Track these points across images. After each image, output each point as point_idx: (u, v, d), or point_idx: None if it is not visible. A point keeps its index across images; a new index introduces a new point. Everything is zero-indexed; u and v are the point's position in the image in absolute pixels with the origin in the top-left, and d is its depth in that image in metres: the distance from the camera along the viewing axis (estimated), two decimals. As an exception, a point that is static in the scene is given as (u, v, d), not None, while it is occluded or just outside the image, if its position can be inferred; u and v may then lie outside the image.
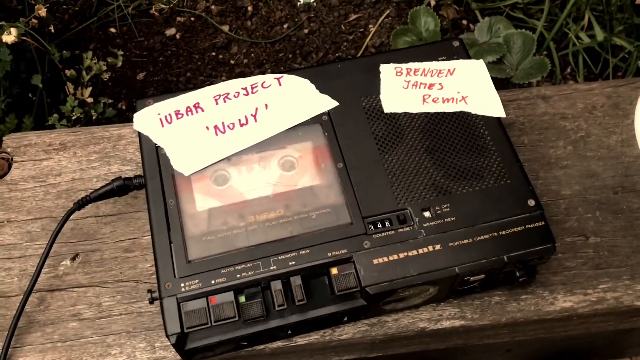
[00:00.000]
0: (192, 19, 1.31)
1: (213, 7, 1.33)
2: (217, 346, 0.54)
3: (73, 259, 0.62)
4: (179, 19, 1.31)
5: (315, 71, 0.64)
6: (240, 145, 0.58)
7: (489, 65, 1.01)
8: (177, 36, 1.29)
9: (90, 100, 1.03)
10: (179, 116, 0.60)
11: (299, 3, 1.33)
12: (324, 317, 0.54)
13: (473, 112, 0.60)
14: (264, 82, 0.62)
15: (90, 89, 1.04)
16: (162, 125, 0.59)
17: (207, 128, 0.59)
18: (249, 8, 1.33)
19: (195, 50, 1.27)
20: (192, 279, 0.52)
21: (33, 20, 1.08)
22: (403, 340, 0.60)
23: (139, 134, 0.60)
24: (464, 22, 1.31)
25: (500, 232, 0.54)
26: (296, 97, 0.61)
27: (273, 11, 1.32)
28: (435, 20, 1.10)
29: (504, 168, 0.57)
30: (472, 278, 0.55)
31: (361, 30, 1.30)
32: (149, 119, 0.60)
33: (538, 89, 0.72)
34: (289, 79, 0.62)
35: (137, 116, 0.60)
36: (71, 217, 0.64)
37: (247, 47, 1.27)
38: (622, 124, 0.70)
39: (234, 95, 0.61)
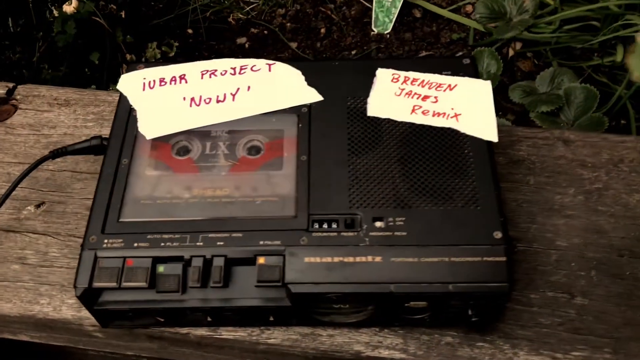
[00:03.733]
0: (265, 32, 1.34)
1: (288, 24, 1.35)
2: (133, 316, 0.51)
3: (38, 206, 0.62)
4: (252, 30, 1.34)
5: (311, 65, 0.62)
6: (211, 120, 0.57)
7: (542, 116, 0.94)
8: (246, 45, 1.31)
9: (139, 84, 1.06)
10: (162, 84, 0.59)
11: (372, 32, 1.32)
12: (246, 310, 0.50)
13: (462, 131, 0.55)
14: (255, 65, 0.60)
15: (142, 73, 1.07)
16: (143, 89, 0.59)
17: (184, 99, 0.58)
18: (322, 30, 1.33)
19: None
20: (117, 237, 0.50)
21: (112, 6, 1.15)
22: (338, 362, 0.54)
23: (120, 95, 0.60)
24: (540, 76, 1.23)
25: (452, 259, 0.48)
26: (281, 85, 0.59)
27: (345, 36, 1.32)
28: (498, 64, 1.04)
29: (478, 193, 0.51)
30: (413, 304, 0.49)
31: (428, 67, 1.26)
32: (133, 82, 0.60)
33: (561, 132, 0.65)
34: (280, 67, 0.60)
35: (123, 77, 0.60)
36: (50, 167, 0.65)
37: (310, 65, 1.27)
38: (649, 184, 0.61)
39: (221, 73, 0.60)
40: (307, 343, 0.53)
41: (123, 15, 1.10)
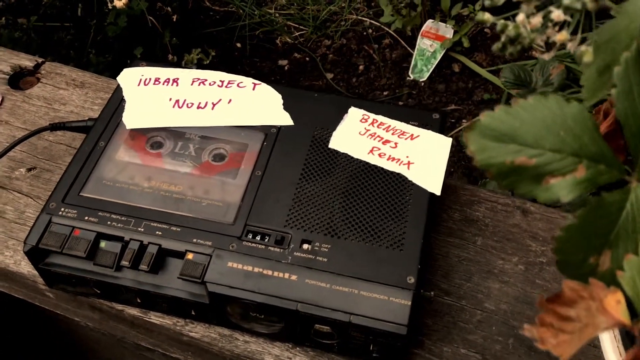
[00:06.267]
0: (307, 58, 1.40)
1: (330, 55, 1.40)
2: (75, 282, 0.56)
3: (29, 170, 0.69)
4: (296, 54, 1.40)
5: (294, 91, 0.66)
6: (188, 123, 0.62)
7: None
8: (286, 68, 1.38)
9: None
10: (156, 83, 0.65)
11: (408, 78, 1.36)
12: (170, 299, 0.54)
13: (410, 179, 0.58)
14: (241, 82, 0.65)
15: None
16: (138, 85, 0.65)
17: (170, 99, 0.63)
18: (361, 67, 1.38)
19: (294, 84, 1.34)
20: (73, 208, 0.56)
21: (167, 9, 1.23)
22: (250, 368, 0.57)
23: (118, 85, 0.66)
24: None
25: (361, 292, 0.51)
26: (260, 104, 0.63)
27: (381, 77, 1.36)
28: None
29: (405, 238, 0.54)
30: (318, 327, 0.52)
31: (453, 120, 1.28)
32: (132, 76, 0.66)
33: (523, 202, 0.67)
34: (264, 88, 0.65)
35: (125, 70, 0.66)
36: (50, 139, 0.71)
37: (340, 97, 1.32)
38: (593, 269, 0.62)
39: (209, 83, 0.65)
40: (224, 344, 0.57)
41: (175, 19, 1.18)
